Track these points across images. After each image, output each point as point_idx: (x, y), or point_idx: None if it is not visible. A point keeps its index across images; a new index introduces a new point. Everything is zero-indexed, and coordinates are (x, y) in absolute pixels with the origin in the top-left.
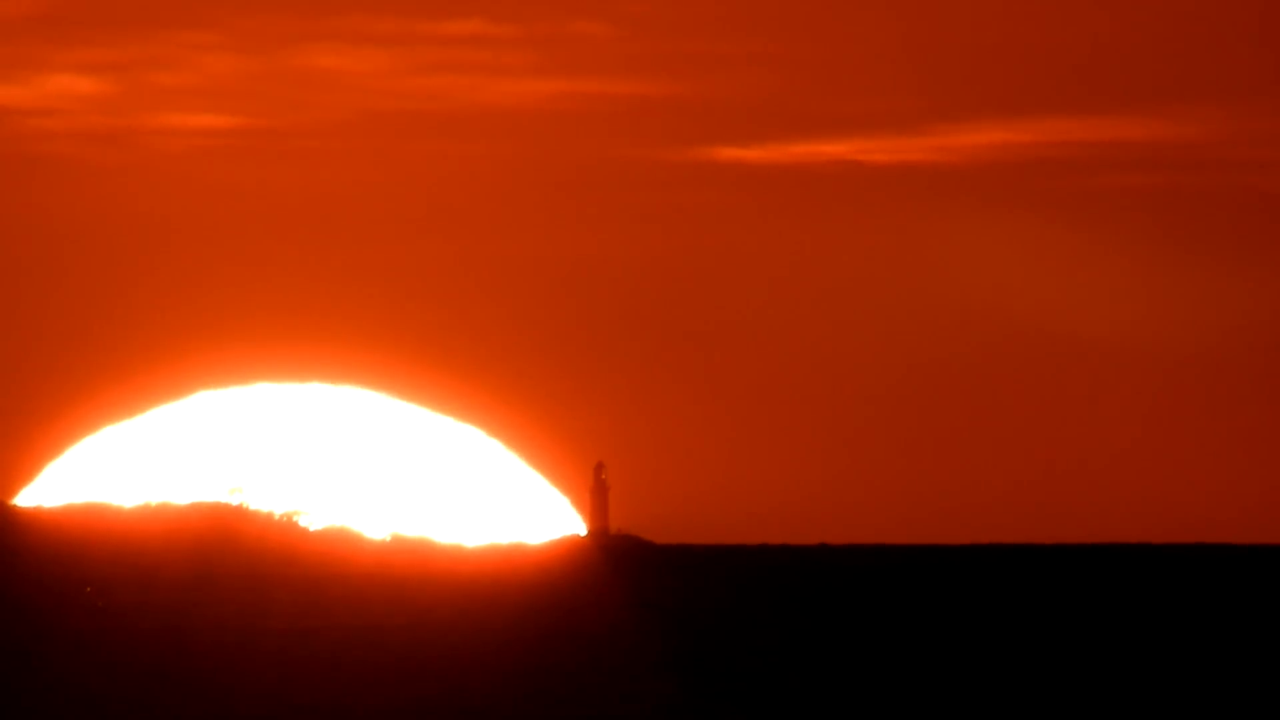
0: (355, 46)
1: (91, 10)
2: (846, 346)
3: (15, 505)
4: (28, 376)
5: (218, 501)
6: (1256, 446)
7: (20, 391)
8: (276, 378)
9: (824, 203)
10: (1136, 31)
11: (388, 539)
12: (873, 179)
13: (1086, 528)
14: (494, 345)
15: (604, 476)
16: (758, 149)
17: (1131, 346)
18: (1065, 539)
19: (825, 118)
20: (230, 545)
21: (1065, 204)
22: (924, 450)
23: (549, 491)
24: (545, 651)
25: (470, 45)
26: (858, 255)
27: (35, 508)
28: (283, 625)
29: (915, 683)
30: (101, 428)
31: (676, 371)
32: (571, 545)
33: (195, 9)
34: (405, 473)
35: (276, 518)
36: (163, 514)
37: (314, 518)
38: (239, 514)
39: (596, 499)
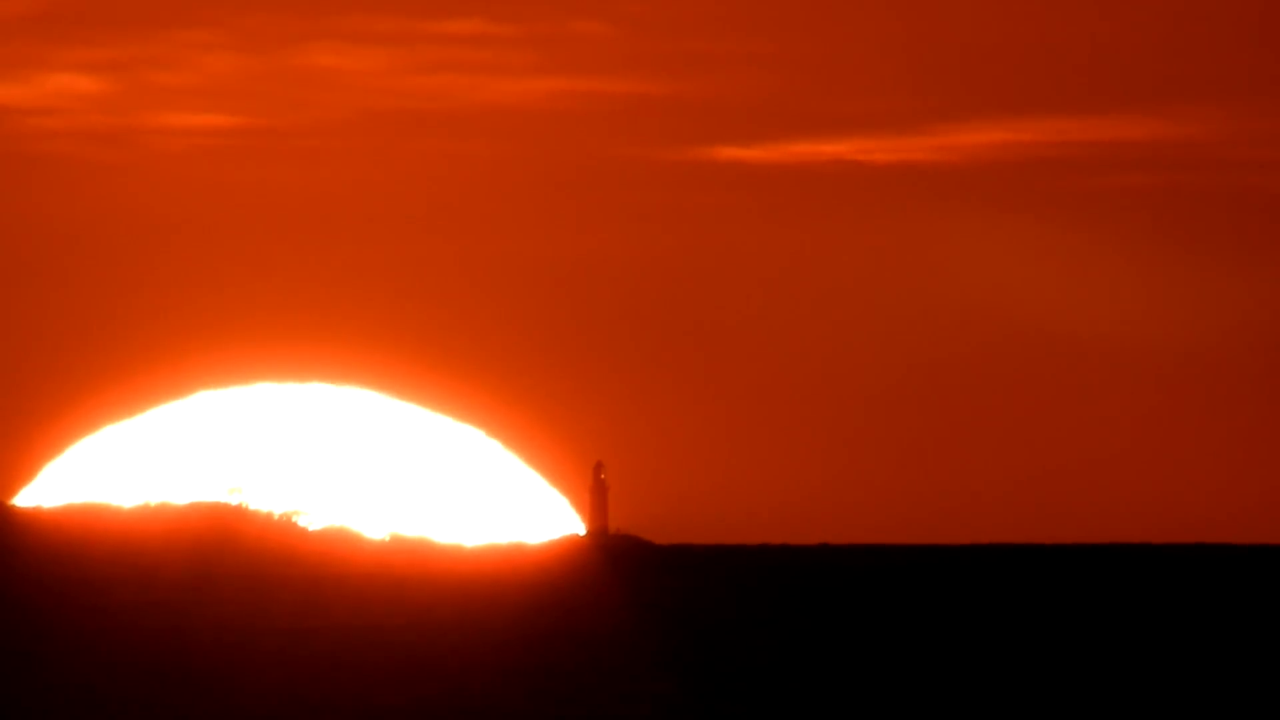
0: (355, 46)
1: (91, 9)
2: (847, 346)
3: (14, 505)
4: (27, 376)
5: (217, 501)
6: (1257, 446)
7: (20, 391)
8: (277, 377)
9: (824, 202)
10: (1136, 31)
11: (387, 539)
12: (873, 179)
13: (1087, 528)
14: (493, 345)
15: (603, 476)
16: (757, 148)
17: (1132, 347)
18: (1066, 539)
19: (825, 117)
20: (229, 545)
21: (1065, 204)
22: (924, 450)
23: (548, 491)
24: (545, 651)
25: (470, 44)
26: (858, 255)
27: (34, 508)
28: (282, 625)
29: (916, 683)
30: (101, 427)
31: (676, 371)
32: (571, 545)
33: (195, 8)
34: (404, 473)
35: (276, 518)
36: (162, 514)
37: (313, 518)
38: (238, 514)
39: (596, 499)
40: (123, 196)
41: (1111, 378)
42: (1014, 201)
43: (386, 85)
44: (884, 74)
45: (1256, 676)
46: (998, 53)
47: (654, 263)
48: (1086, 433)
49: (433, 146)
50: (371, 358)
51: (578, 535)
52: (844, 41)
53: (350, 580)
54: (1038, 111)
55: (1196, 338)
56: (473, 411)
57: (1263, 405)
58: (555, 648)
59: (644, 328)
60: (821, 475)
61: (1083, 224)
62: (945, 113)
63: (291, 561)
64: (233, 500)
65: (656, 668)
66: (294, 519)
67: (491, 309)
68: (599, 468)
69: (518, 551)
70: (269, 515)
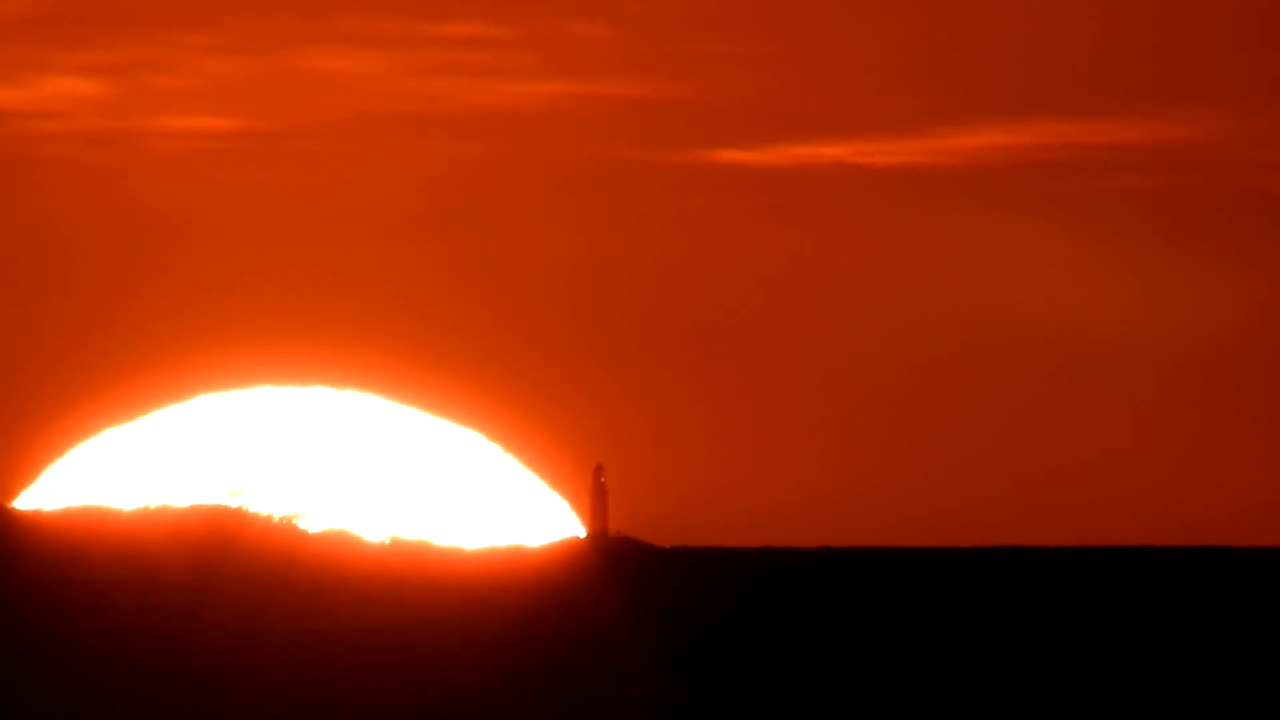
0: (355, 48)
1: (91, 12)
2: (847, 348)
3: (15, 508)
4: (28, 378)
5: (218, 504)
6: (1257, 448)
7: (20, 393)
8: (278, 381)
9: (823, 205)
10: (1136, 34)
11: (387, 542)
12: (872, 181)
13: (1088, 530)
14: (493, 348)
15: (603, 479)
16: (757, 151)
17: (1133, 349)
18: (1067, 542)
19: (824, 120)
20: (230, 548)
21: (1065, 206)
22: (925, 453)
23: (548, 494)
24: (545, 653)
25: (470, 47)
26: (857, 257)
27: (35, 510)
28: (283, 627)
29: (917, 686)
30: (102, 430)
31: (676, 374)
32: (571, 548)
33: (195, 10)
34: (405, 476)
35: (276, 520)
36: (163, 517)
37: (314, 520)
38: (239, 516)
39: (596, 501)
40: (123, 199)
41: (1112, 380)
42: (1014, 204)
43: (386, 87)
44: (884, 76)
45: (1257, 678)
46: (997, 55)
47: (654, 265)
48: (1088, 435)
49: (432, 149)
50: (372, 361)
51: (578, 538)
52: (844, 44)
53: (351, 583)
54: (1037, 114)
55: (1196, 339)
56: (472, 415)
57: (1263, 406)
58: (555, 650)
59: (644, 330)
60: (822, 478)
61: (1083, 226)
62: (945, 115)
63: (292, 564)
64: (233, 503)
65: (656, 669)
66: (294, 522)
67: (491, 312)
68: (599, 470)
69: (518, 554)
70: (269, 518)
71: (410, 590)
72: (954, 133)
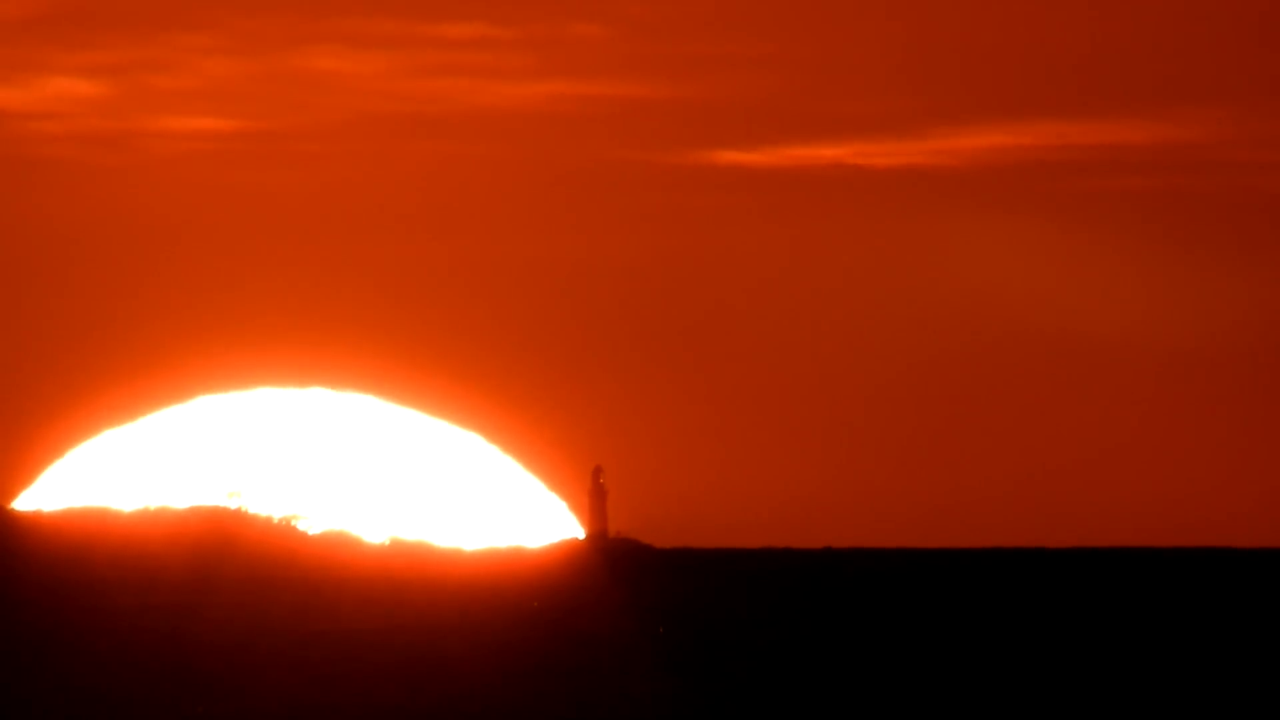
0: (355, 49)
1: (90, 13)
2: (847, 349)
3: (15, 509)
4: (28, 379)
5: (217, 505)
6: (1257, 447)
7: (20, 395)
8: (277, 382)
9: (823, 206)
10: (1136, 34)
11: (387, 543)
12: (872, 182)
13: (1089, 530)
14: (492, 349)
15: (602, 481)
16: (756, 152)
17: (1134, 349)
18: (1068, 542)
19: (824, 121)
20: (230, 549)
21: (1065, 207)
22: (926, 453)
23: (547, 496)
24: (544, 654)
25: (469, 48)
26: (857, 258)
27: (35, 511)
28: (282, 627)
29: (919, 687)
30: (101, 431)
31: (675, 375)
32: (570, 549)
33: (194, 11)
34: (404, 477)
35: (276, 521)
36: (162, 518)
37: (313, 521)
38: (238, 518)
39: (595, 503)
40: (122, 200)
41: (1112, 380)
42: (1014, 204)
43: (386, 88)
44: (883, 78)
45: (1257, 678)
46: (997, 56)
47: (653, 266)
48: (1088, 435)
49: (432, 150)
50: (371, 363)
51: (577, 539)
52: (843, 45)
53: (350, 583)
54: (1037, 115)
55: (1196, 339)
56: (472, 416)
57: (1263, 406)
58: (554, 650)
59: (643, 332)
60: (823, 479)
61: (1083, 227)
62: (945, 116)
63: (291, 565)
64: (233, 504)
65: (656, 669)
66: (294, 523)
67: (491, 313)
68: (598, 472)
69: (517, 555)
70: (269, 519)
71: (410, 591)
72: (954, 133)
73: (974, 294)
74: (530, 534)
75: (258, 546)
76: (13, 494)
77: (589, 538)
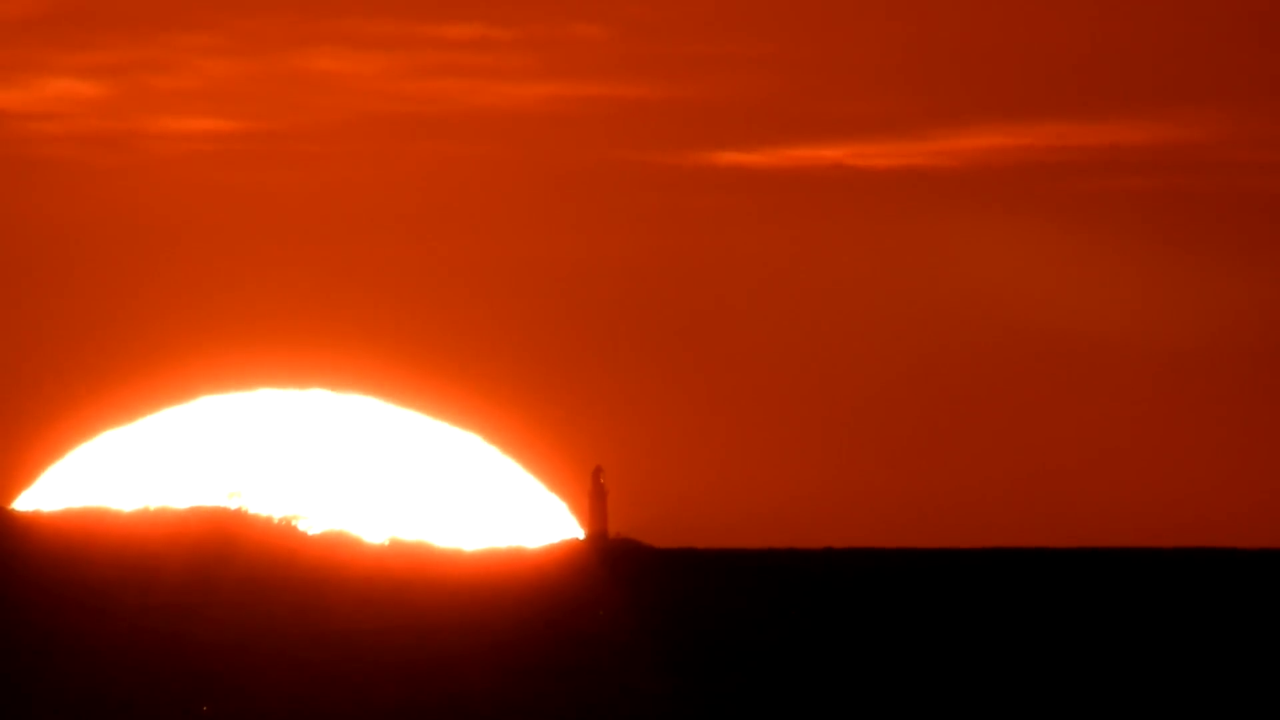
0: (355, 49)
1: (90, 13)
2: (847, 350)
3: (14, 509)
4: (27, 380)
5: (217, 506)
6: (1257, 448)
7: (20, 395)
8: (278, 383)
9: (823, 207)
10: (1136, 34)
11: (387, 543)
12: (872, 183)
13: (1089, 530)
14: (492, 350)
15: (602, 481)
16: (757, 153)
17: (1134, 349)
18: (1068, 542)
19: (823, 121)
20: (230, 549)
21: (1066, 208)
22: (926, 453)
23: (547, 496)
24: (544, 654)
25: (469, 48)
26: (857, 259)
27: (34, 511)
28: (282, 628)
29: (919, 688)
30: (101, 432)
31: (675, 375)
32: (570, 549)
33: (194, 11)
34: (404, 478)
35: (276, 522)
36: (162, 518)
37: (313, 522)
38: (238, 518)
39: (595, 503)
40: (122, 200)
41: (1112, 380)
42: (1014, 205)
43: (386, 89)
44: (883, 78)
45: (1257, 679)
46: (997, 56)
47: (653, 267)
48: (1088, 435)
49: (432, 150)
50: (372, 364)
51: (577, 539)
52: (843, 45)
53: (350, 584)
54: (1037, 115)
55: (1196, 339)
56: (471, 417)
57: (1263, 406)
58: (554, 651)
59: (643, 332)
60: (823, 479)
61: (1083, 228)
62: (945, 116)
63: (291, 565)
64: (233, 505)
65: (656, 671)
66: (294, 523)
67: (491, 314)
68: (598, 472)
69: (517, 556)
70: (269, 520)
71: (410, 592)
72: (953, 134)
73: (974, 294)
74: (530, 534)
75: (258, 547)
76: (13, 494)
77: (589, 538)
